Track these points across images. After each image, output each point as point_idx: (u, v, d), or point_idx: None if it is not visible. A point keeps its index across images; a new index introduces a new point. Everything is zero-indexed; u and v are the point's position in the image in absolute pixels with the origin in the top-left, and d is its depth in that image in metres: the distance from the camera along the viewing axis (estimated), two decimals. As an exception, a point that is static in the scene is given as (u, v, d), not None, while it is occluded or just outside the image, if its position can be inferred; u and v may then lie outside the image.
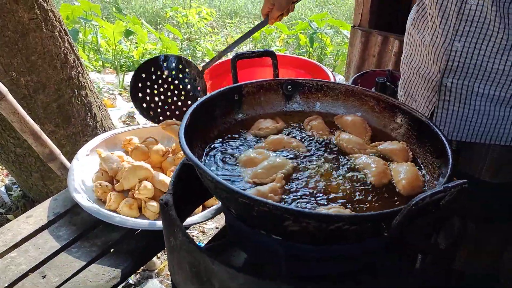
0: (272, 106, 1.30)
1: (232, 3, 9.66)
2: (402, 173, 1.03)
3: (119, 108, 4.10)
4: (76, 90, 2.11)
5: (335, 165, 1.07)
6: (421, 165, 1.09)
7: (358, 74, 2.23)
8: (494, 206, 1.58)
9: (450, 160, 0.97)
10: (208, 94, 1.19)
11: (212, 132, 1.17)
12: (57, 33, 1.96)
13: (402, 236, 0.82)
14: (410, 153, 1.13)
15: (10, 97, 1.49)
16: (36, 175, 2.24)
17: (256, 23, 8.95)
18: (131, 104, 4.34)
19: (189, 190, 1.21)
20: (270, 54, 1.31)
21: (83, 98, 2.17)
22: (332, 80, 1.96)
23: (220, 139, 1.15)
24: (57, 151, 1.64)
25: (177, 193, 1.10)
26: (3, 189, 2.62)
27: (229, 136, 1.17)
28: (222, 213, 1.43)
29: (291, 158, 1.08)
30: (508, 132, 1.45)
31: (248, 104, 1.26)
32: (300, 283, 0.88)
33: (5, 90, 1.46)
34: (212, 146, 1.12)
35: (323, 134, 1.20)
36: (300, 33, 7.33)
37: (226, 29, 8.78)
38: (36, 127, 1.56)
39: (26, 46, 1.90)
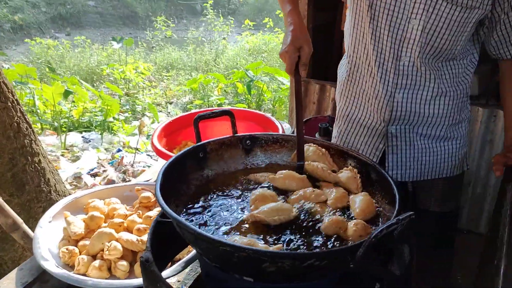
0: (233, 160, 1.42)
1: (167, 56, 9.88)
2: (357, 203, 1.18)
3: (64, 170, 4.06)
4: (29, 158, 2.13)
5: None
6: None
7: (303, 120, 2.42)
8: (436, 234, 1.77)
9: (396, 196, 1.13)
10: (176, 154, 1.29)
11: (184, 189, 1.27)
12: (10, 104, 2.00)
13: (365, 266, 0.95)
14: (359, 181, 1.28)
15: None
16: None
17: (194, 74, 9.17)
18: (76, 164, 4.30)
19: (164, 245, 1.28)
20: (229, 113, 1.44)
21: (36, 164, 2.18)
22: (280, 128, 2.13)
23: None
24: (19, 220, 1.66)
25: (154, 250, 1.18)
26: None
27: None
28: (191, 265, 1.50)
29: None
30: (449, 165, 1.68)
31: (213, 160, 1.38)
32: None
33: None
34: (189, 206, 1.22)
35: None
36: (237, 81, 7.60)
37: (164, 82, 8.93)
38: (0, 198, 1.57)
39: (-22, 118, 1.93)
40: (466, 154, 1.74)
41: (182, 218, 1.01)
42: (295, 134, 1.40)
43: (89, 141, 5.13)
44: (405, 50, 1.52)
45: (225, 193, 1.28)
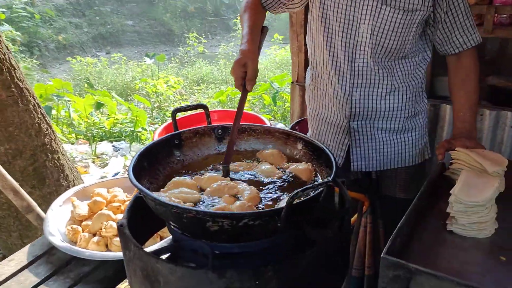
0: (207, 147, 1.63)
1: (199, 71, 10.25)
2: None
3: (92, 174, 4.39)
4: (49, 154, 2.42)
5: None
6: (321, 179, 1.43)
7: (295, 122, 2.62)
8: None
9: (334, 169, 1.30)
10: (153, 140, 1.52)
11: (158, 170, 1.49)
12: (31, 107, 2.30)
13: (294, 226, 1.13)
14: (314, 172, 1.46)
15: (-8, 160, 1.79)
16: (14, 234, 2.48)
17: (223, 87, 9.49)
18: (104, 169, 4.64)
19: (143, 218, 1.50)
20: (203, 106, 1.66)
21: (56, 161, 2.47)
22: (268, 124, 2.33)
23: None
24: (33, 203, 1.93)
25: (131, 218, 1.40)
26: (-17, 253, 2.84)
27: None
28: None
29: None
30: (409, 155, 1.84)
31: (187, 147, 1.59)
32: (221, 270, 1.17)
33: (-12, 154, 1.77)
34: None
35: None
36: (264, 93, 7.83)
37: (195, 95, 9.27)
38: (15, 183, 1.85)
39: (5, 119, 2.23)
40: (426, 143, 1.89)
41: (142, 187, 1.23)
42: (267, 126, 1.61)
43: (119, 149, 5.48)
44: (358, 53, 1.70)
45: (195, 174, 1.49)
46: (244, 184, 1.37)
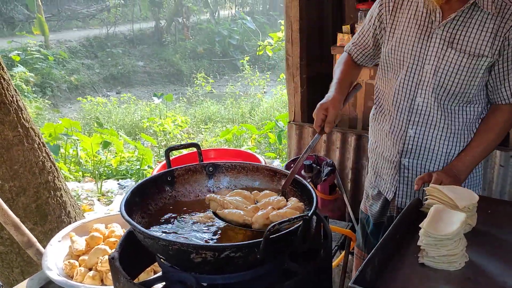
0: (198, 183, 1.71)
1: (206, 110, 10.45)
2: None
3: (96, 212, 4.48)
4: (52, 192, 2.52)
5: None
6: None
7: (291, 159, 2.71)
8: None
9: (314, 204, 1.38)
10: (146, 177, 1.61)
11: (150, 205, 1.57)
12: (36, 146, 2.42)
13: (275, 258, 1.20)
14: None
15: (-4, 196, 1.89)
16: (17, 270, 2.55)
17: (229, 126, 9.64)
18: (107, 207, 4.73)
19: (135, 252, 1.57)
20: (195, 145, 1.76)
21: (58, 198, 2.57)
22: (262, 162, 2.42)
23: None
24: (33, 239, 2.01)
25: (123, 252, 1.47)
26: (-14, 289, 2.90)
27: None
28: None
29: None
30: None
31: (179, 183, 1.68)
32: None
33: (-8, 190, 1.87)
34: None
35: None
36: (269, 132, 7.95)
37: (202, 133, 9.42)
38: (17, 219, 1.94)
39: (10, 158, 2.35)
40: (479, 192, 1.92)
41: (133, 221, 1.31)
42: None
43: (124, 187, 5.58)
44: (419, 92, 1.78)
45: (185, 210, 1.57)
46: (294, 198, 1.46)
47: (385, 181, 1.99)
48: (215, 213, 1.45)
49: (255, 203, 1.49)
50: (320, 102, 1.74)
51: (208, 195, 1.51)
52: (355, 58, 2.03)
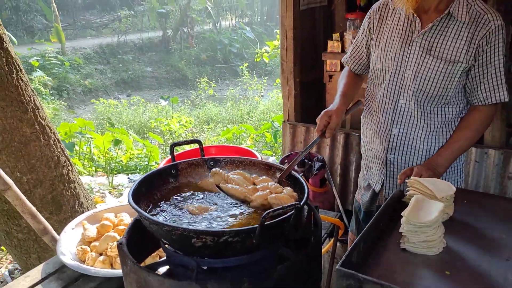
0: (200, 176, 1.70)
1: (208, 111, 10.43)
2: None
3: (107, 204, 4.46)
4: (66, 184, 2.51)
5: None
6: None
7: (285, 155, 2.71)
8: None
9: (306, 194, 1.37)
10: (153, 170, 1.60)
11: (155, 195, 1.56)
12: (51, 142, 2.41)
13: (270, 244, 1.19)
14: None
15: (14, 187, 1.88)
16: (34, 256, 2.54)
17: (229, 126, 9.63)
18: (118, 199, 4.71)
19: (141, 238, 1.56)
20: (198, 141, 1.75)
21: (72, 190, 2.56)
22: (259, 157, 2.41)
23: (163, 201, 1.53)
24: (49, 226, 1.99)
25: (130, 238, 1.46)
26: (7, 273, 2.89)
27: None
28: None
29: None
30: None
31: (182, 176, 1.67)
32: (204, 281, 1.22)
33: (11, 182, 1.86)
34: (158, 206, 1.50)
35: None
36: (266, 132, 7.94)
37: (204, 133, 9.40)
38: (33, 208, 1.93)
39: (28, 153, 2.33)
40: (461, 184, 1.94)
41: (139, 208, 1.30)
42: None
43: (133, 181, 5.55)
44: (402, 95, 1.80)
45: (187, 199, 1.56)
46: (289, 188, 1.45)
47: (374, 174, 2.01)
48: (218, 186, 1.47)
49: (254, 185, 1.49)
50: (325, 110, 1.76)
51: (213, 169, 1.51)
52: (353, 69, 2.04)
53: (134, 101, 11.18)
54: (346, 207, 3.08)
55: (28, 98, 2.33)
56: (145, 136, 8.64)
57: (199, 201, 1.51)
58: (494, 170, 2.58)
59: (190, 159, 1.71)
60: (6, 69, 2.24)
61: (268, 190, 1.43)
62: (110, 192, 5.09)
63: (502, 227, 1.31)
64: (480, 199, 1.52)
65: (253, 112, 10.13)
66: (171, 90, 14.80)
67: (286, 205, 1.20)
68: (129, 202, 1.33)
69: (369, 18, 1.92)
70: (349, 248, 1.14)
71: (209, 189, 1.56)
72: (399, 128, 1.84)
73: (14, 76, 2.28)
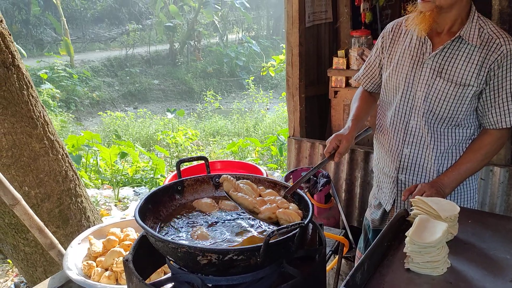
0: (205, 193, 1.72)
1: (214, 124, 10.48)
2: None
3: (113, 217, 4.47)
4: (73, 198, 2.53)
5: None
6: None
7: (290, 171, 2.72)
8: None
9: (310, 213, 1.38)
10: (159, 186, 1.62)
11: (162, 211, 1.58)
12: (60, 156, 2.44)
13: (274, 262, 1.20)
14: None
15: (23, 202, 1.90)
16: (40, 269, 2.55)
17: (235, 140, 9.66)
18: (123, 212, 4.72)
19: (147, 254, 1.57)
20: (204, 158, 1.77)
21: (79, 204, 2.58)
22: (264, 173, 2.42)
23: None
24: (55, 241, 2.01)
25: (136, 254, 1.47)
26: (13, 286, 2.90)
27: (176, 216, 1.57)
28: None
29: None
30: None
31: (188, 192, 1.68)
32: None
33: (19, 197, 1.88)
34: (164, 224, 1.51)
35: None
36: (272, 145, 7.96)
37: (210, 146, 9.43)
38: (41, 223, 1.95)
39: (37, 167, 2.36)
40: (475, 205, 1.93)
41: (145, 225, 1.31)
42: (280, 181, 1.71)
43: (139, 194, 5.58)
44: (413, 115, 1.81)
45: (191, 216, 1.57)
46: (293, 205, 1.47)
47: (385, 193, 2.01)
48: (227, 193, 1.48)
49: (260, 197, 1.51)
50: (336, 133, 1.78)
51: (223, 175, 1.52)
52: (366, 87, 2.06)
53: (140, 113, 11.27)
54: (351, 223, 3.08)
55: (38, 114, 2.36)
56: (151, 149, 8.68)
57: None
58: (500, 187, 2.57)
59: (196, 176, 1.72)
60: (17, 85, 2.29)
61: (275, 204, 1.44)
62: (115, 205, 5.11)
63: (507, 248, 1.31)
64: (485, 219, 1.52)
65: (259, 125, 10.17)
66: (177, 103, 14.90)
67: (290, 224, 1.21)
68: (136, 219, 1.35)
69: (382, 37, 1.94)
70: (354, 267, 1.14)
71: (202, 210, 1.57)
72: (410, 149, 1.84)
73: (25, 92, 2.32)
